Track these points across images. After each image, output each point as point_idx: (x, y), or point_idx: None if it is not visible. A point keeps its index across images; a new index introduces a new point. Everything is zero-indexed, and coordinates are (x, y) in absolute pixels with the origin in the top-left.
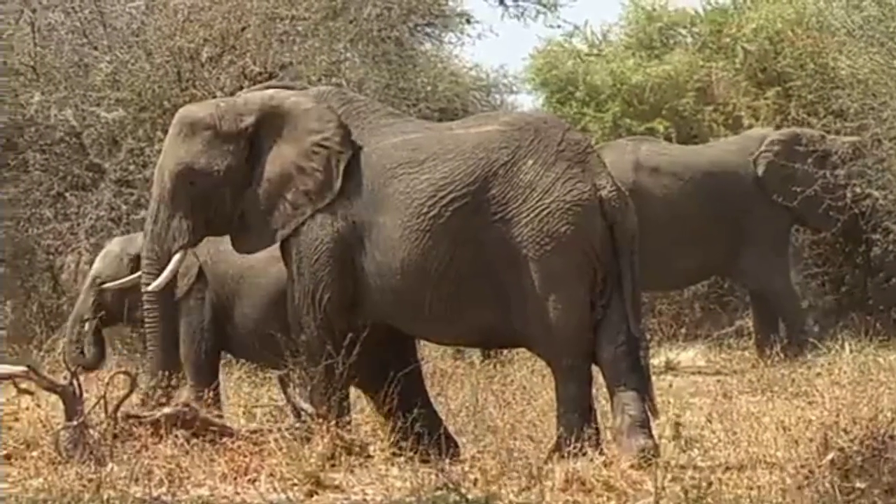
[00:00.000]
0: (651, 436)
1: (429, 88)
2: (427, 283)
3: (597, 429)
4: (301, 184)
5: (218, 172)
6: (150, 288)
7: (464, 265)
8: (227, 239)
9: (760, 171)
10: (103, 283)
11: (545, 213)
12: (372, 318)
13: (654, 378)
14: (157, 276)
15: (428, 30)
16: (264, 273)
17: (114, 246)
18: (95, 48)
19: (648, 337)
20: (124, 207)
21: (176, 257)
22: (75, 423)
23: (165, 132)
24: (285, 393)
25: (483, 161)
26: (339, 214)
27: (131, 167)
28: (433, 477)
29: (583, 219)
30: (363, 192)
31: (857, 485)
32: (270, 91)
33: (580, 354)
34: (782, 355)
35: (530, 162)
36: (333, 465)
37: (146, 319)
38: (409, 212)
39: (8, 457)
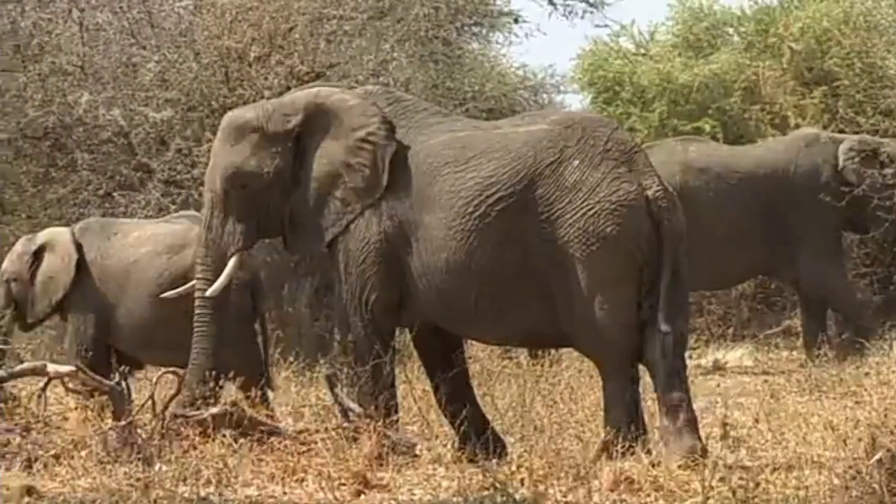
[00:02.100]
0: (699, 436)
1: (476, 88)
2: (473, 282)
3: (644, 429)
4: (350, 180)
5: (268, 174)
6: (207, 294)
7: (510, 265)
8: (114, 234)
9: (853, 178)
10: (8, 280)
11: (591, 213)
12: (419, 318)
13: (702, 378)
14: (211, 281)
15: (475, 29)
16: (148, 268)
17: (18, 245)
18: (143, 48)
19: (696, 337)
20: (172, 207)
21: (232, 261)
22: (123, 422)
23: (213, 132)
24: (333, 393)
25: (530, 160)
26: (386, 214)
27: (179, 167)
28: (480, 477)
29: (629, 219)
30: (410, 190)
31: None
32: (315, 89)
33: (626, 354)
34: (834, 354)
35: (577, 161)
36: (381, 465)
37: (195, 322)
38: (454, 211)
39: (57, 456)
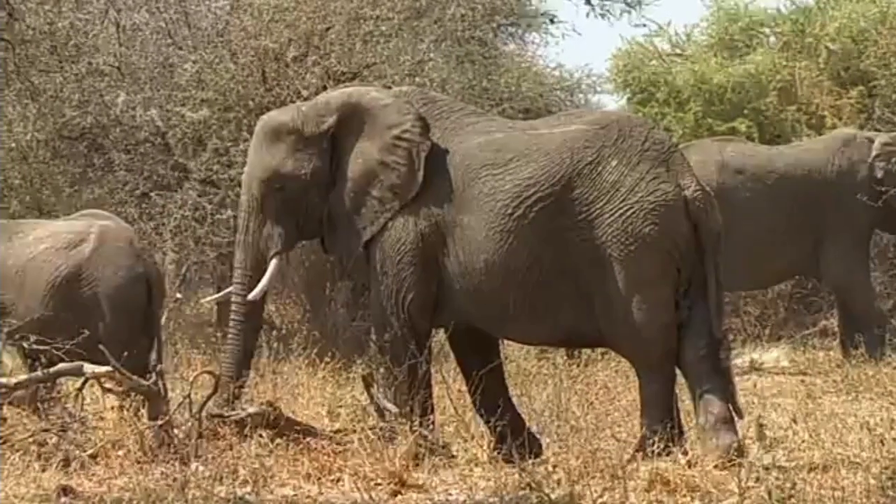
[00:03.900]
0: (736, 435)
1: (512, 88)
2: (511, 283)
3: (680, 429)
4: (386, 179)
5: (305, 175)
6: (249, 297)
7: (548, 265)
8: (16, 234)
9: (880, 174)
10: None
11: (630, 213)
12: (455, 318)
13: (738, 378)
14: (247, 285)
15: (511, 30)
16: (45, 265)
17: None
18: (180, 48)
19: (732, 337)
20: (209, 207)
21: (273, 264)
22: (160, 422)
23: (250, 132)
24: (369, 393)
25: (567, 161)
26: (423, 215)
27: (216, 167)
28: (516, 477)
29: (667, 219)
30: (447, 192)
31: None
32: (349, 90)
33: (664, 354)
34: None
35: (615, 162)
36: (417, 465)
37: (230, 324)
38: (494, 212)
39: (94, 456)
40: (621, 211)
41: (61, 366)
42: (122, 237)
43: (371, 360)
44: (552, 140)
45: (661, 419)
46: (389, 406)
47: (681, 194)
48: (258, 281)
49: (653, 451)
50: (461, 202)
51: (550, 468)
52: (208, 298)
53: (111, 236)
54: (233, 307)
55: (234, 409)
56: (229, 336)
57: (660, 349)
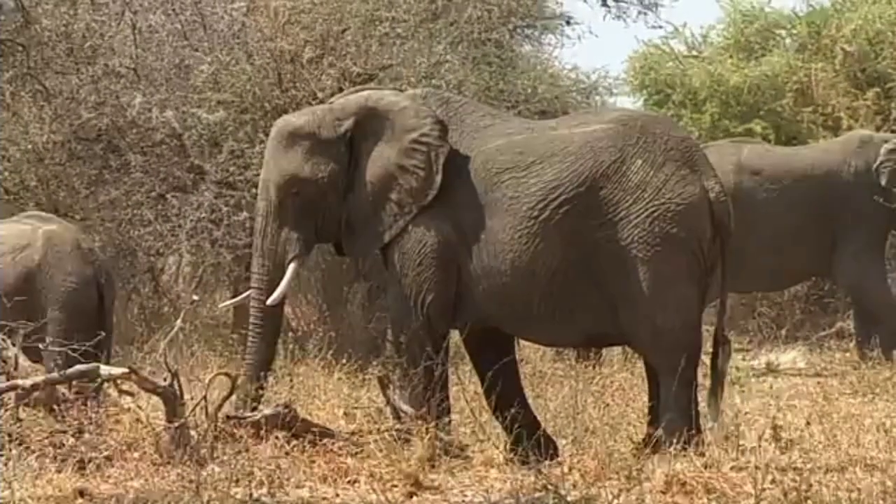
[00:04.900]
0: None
1: (529, 91)
2: (536, 285)
3: (699, 430)
4: (404, 182)
5: (322, 179)
6: (268, 302)
7: (573, 267)
8: None
9: (884, 180)
10: None
11: (657, 213)
12: (472, 320)
13: (754, 380)
14: (266, 290)
15: (528, 31)
16: None
17: None
18: (196, 50)
19: (748, 339)
20: (225, 209)
21: (290, 268)
22: (176, 424)
23: (266, 134)
24: (385, 394)
25: (591, 162)
26: (444, 217)
27: (232, 169)
28: (532, 478)
29: (694, 220)
30: (468, 195)
31: None
32: (365, 93)
33: (688, 355)
34: (883, 357)
35: (639, 162)
36: (433, 467)
37: (250, 328)
38: (519, 215)
39: (109, 458)
40: (648, 212)
41: (77, 367)
42: (68, 240)
43: (387, 362)
44: (574, 141)
45: (681, 420)
46: (406, 407)
47: (705, 195)
48: (276, 285)
49: (670, 453)
50: (484, 205)
51: (566, 470)
52: (226, 303)
53: (58, 240)
54: (252, 312)
55: (251, 412)
56: (249, 341)
57: (684, 350)
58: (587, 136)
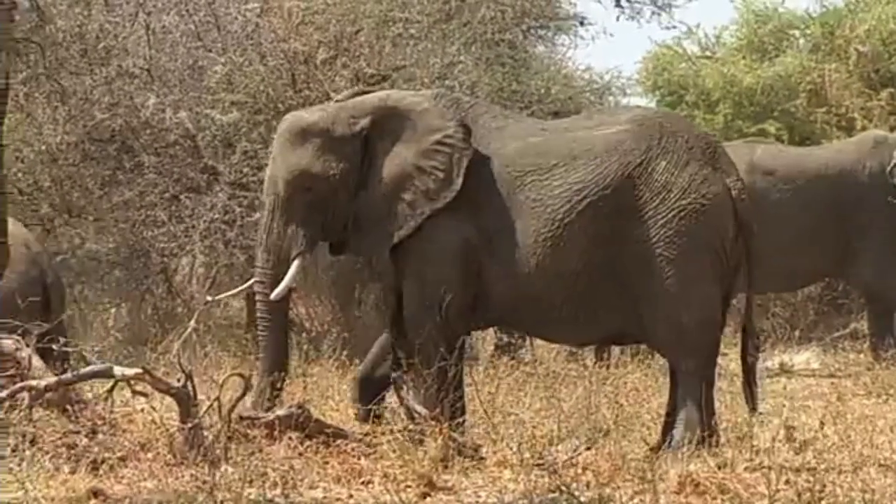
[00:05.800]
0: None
1: (542, 91)
2: (561, 286)
3: (714, 430)
4: (420, 183)
5: (333, 176)
6: (272, 297)
7: (598, 268)
8: None
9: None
10: None
11: (683, 214)
12: (487, 321)
13: (767, 381)
14: (270, 285)
15: (541, 32)
16: None
17: None
18: (210, 51)
19: (762, 339)
20: (238, 210)
21: (295, 264)
22: (190, 425)
23: None
24: (399, 395)
25: (616, 164)
26: (465, 219)
27: (245, 169)
28: (546, 479)
29: (717, 219)
30: (490, 198)
31: None
32: (383, 92)
33: (708, 355)
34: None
35: (664, 163)
36: (446, 468)
37: (259, 325)
38: (543, 218)
39: (123, 458)
40: (674, 212)
41: (91, 367)
42: (17, 241)
43: (401, 363)
44: (596, 142)
45: (698, 420)
46: (419, 408)
47: (728, 194)
48: (280, 281)
49: (684, 454)
50: (507, 209)
51: (580, 470)
52: (223, 295)
53: None
54: (257, 307)
55: (268, 411)
56: (259, 336)
57: (705, 350)
58: (609, 137)
